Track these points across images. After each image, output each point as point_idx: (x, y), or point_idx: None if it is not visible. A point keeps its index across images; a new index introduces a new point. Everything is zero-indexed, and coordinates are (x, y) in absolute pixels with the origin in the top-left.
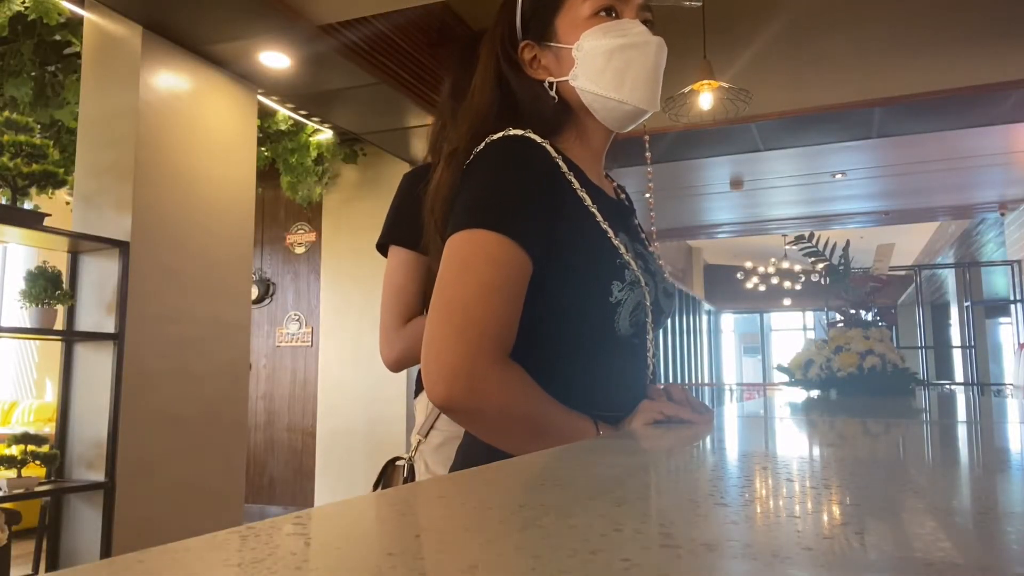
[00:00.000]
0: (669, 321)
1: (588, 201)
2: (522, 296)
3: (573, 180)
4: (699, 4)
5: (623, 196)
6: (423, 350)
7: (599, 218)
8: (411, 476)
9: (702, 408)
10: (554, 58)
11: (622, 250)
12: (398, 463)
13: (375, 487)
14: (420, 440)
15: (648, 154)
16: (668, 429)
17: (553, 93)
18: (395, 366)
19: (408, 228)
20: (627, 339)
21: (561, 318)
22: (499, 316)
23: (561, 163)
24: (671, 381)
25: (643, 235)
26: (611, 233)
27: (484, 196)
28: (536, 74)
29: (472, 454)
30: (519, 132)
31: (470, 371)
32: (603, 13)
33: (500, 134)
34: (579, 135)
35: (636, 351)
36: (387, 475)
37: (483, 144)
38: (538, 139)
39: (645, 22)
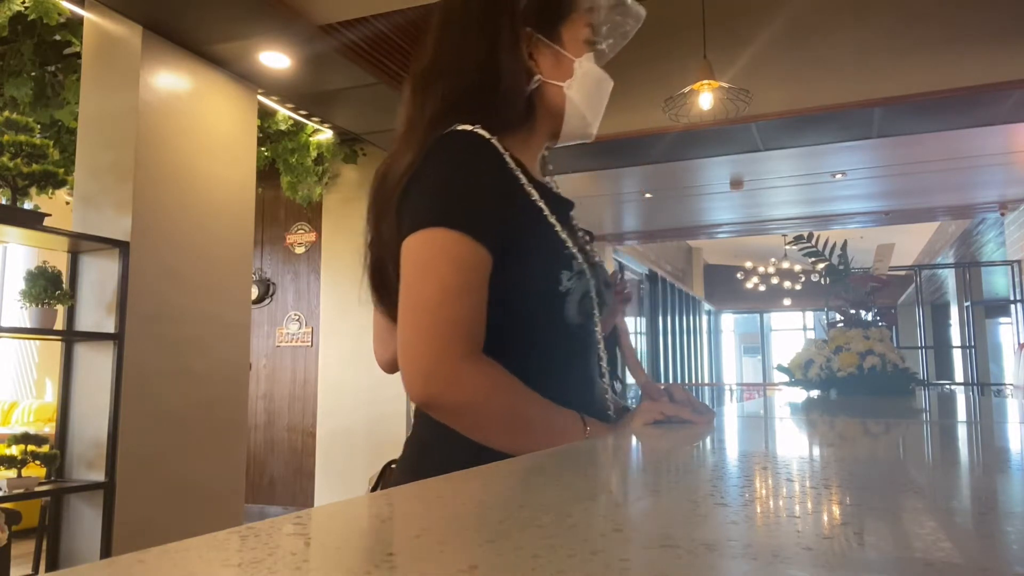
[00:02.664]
0: (669, 321)
1: (536, 195)
2: (483, 291)
3: (520, 176)
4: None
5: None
6: (399, 354)
7: (546, 211)
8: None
9: (703, 408)
10: (553, 60)
11: (568, 242)
12: (394, 465)
13: (373, 489)
14: (408, 437)
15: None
16: (668, 429)
17: (530, 88)
18: (389, 367)
19: None
20: (576, 329)
21: (514, 308)
22: (466, 314)
23: (509, 159)
24: (672, 381)
25: (582, 232)
26: (558, 226)
27: (439, 194)
28: (528, 64)
29: (421, 468)
30: (468, 128)
31: (444, 369)
32: (592, 44)
33: (449, 130)
34: (527, 135)
35: (586, 342)
36: (385, 477)
37: (434, 140)
38: (487, 135)
39: None
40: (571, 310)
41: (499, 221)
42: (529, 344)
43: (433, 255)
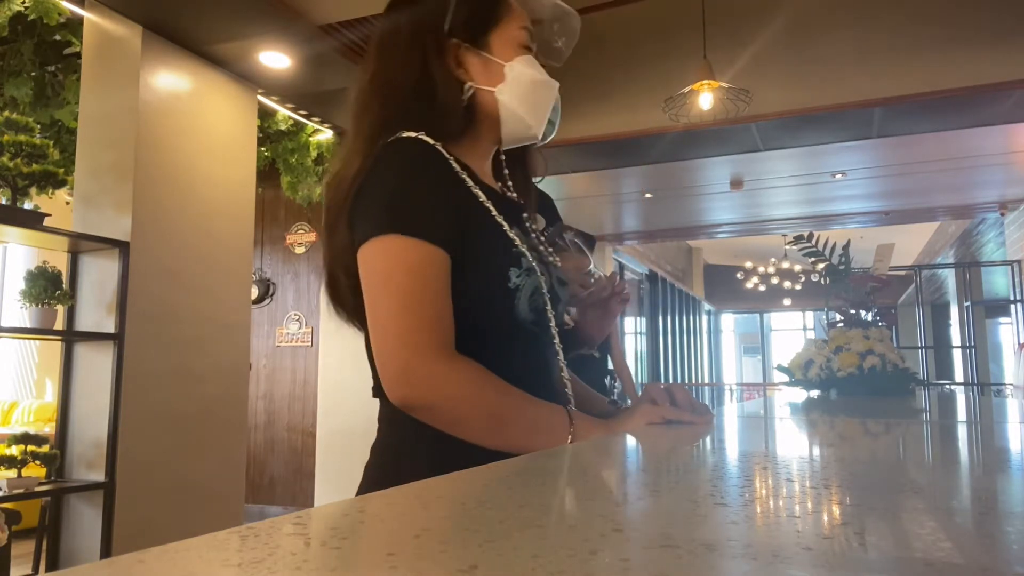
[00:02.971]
0: (669, 321)
1: (483, 197)
2: (447, 291)
3: (467, 178)
4: (559, 66)
5: (514, 195)
6: (376, 364)
7: (493, 212)
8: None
9: (703, 410)
10: (482, 66)
11: (517, 241)
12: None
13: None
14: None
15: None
16: (668, 429)
17: (465, 97)
18: None
19: None
20: (528, 325)
21: (466, 306)
22: (434, 315)
23: (454, 163)
24: (672, 381)
25: (537, 233)
26: (506, 226)
27: (388, 201)
28: (458, 74)
29: (379, 477)
30: (412, 135)
31: (421, 370)
32: (526, 47)
33: (395, 137)
34: (472, 141)
35: (539, 338)
36: None
37: (380, 147)
38: (431, 141)
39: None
40: (522, 306)
41: (449, 220)
42: (483, 340)
43: (391, 264)
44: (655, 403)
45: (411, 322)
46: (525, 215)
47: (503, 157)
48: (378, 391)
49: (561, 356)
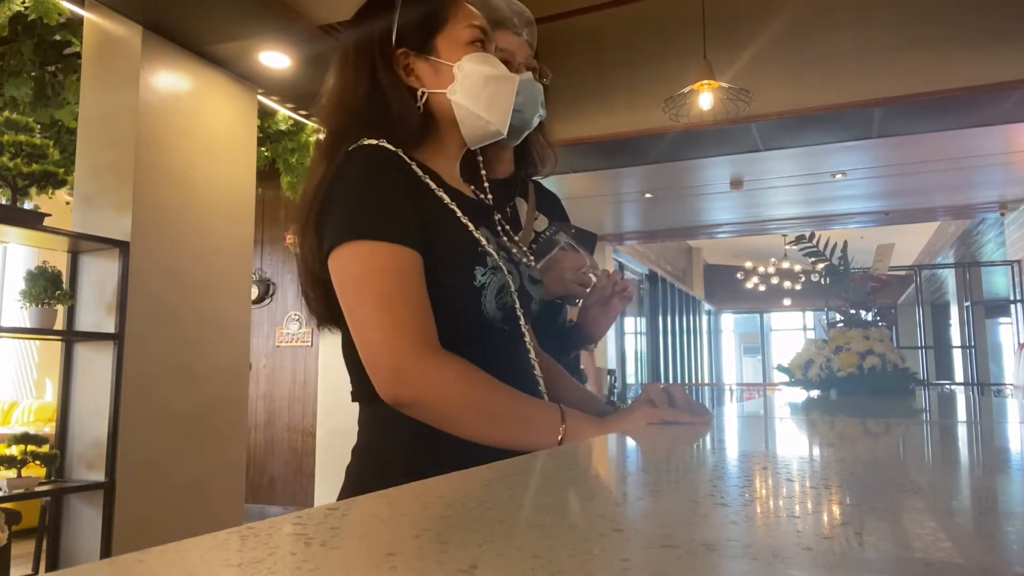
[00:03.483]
0: (669, 321)
1: (447, 199)
2: (423, 288)
3: (430, 182)
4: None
5: (486, 196)
6: (366, 366)
7: (459, 213)
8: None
9: (702, 411)
10: (432, 71)
11: (483, 241)
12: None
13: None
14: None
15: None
16: (665, 429)
17: (420, 104)
18: None
19: None
20: (498, 323)
21: (434, 305)
22: (413, 315)
23: (416, 168)
24: (672, 381)
25: (508, 234)
26: (471, 226)
27: (350, 207)
28: (408, 81)
29: (360, 479)
30: (372, 142)
31: (409, 369)
32: (477, 43)
33: (355, 145)
34: (436, 145)
35: (509, 336)
36: None
37: (342, 156)
38: (391, 147)
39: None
40: (489, 304)
41: (413, 221)
42: (453, 338)
43: (363, 270)
44: (653, 404)
45: (393, 322)
46: (498, 216)
47: (479, 158)
48: (358, 394)
49: (533, 354)
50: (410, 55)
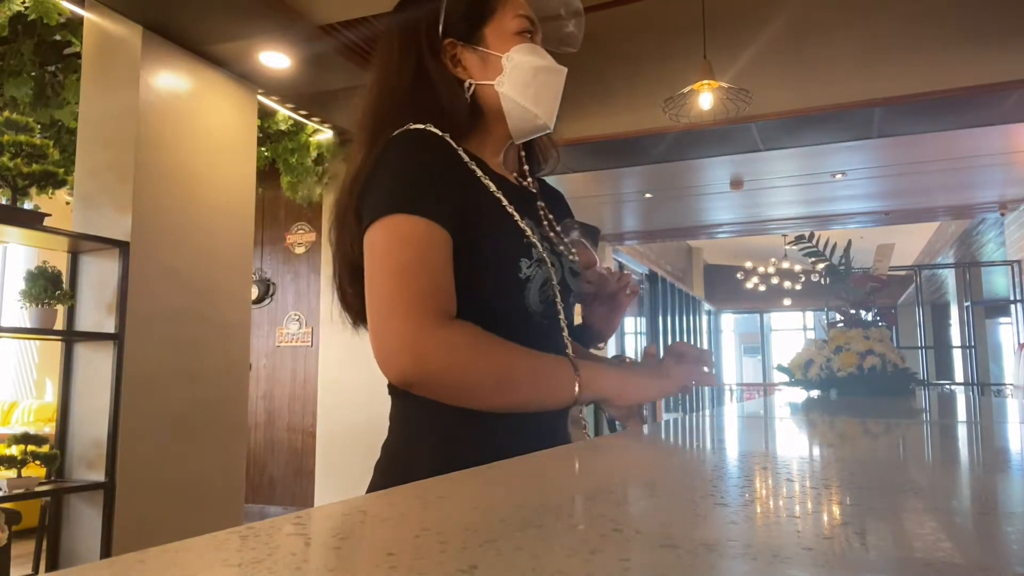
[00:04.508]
0: (669, 321)
1: (493, 187)
2: (448, 266)
3: (476, 168)
4: (574, 51)
5: (529, 184)
6: (371, 340)
7: (504, 201)
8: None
9: (711, 360)
10: (479, 62)
11: (528, 231)
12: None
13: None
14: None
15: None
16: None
17: (468, 95)
18: None
19: None
20: (538, 316)
21: (476, 295)
22: (426, 287)
23: (462, 153)
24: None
25: (551, 223)
26: (517, 216)
27: (392, 186)
28: (456, 72)
29: (389, 476)
30: (420, 126)
31: (412, 343)
32: (526, 34)
33: (403, 129)
34: (481, 139)
35: (549, 329)
36: None
37: (387, 139)
38: (439, 132)
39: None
40: (532, 297)
41: (452, 205)
42: (494, 330)
43: (390, 239)
44: (681, 362)
45: (407, 294)
46: (540, 204)
47: (523, 153)
48: (393, 387)
49: (570, 349)
50: (457, 45)
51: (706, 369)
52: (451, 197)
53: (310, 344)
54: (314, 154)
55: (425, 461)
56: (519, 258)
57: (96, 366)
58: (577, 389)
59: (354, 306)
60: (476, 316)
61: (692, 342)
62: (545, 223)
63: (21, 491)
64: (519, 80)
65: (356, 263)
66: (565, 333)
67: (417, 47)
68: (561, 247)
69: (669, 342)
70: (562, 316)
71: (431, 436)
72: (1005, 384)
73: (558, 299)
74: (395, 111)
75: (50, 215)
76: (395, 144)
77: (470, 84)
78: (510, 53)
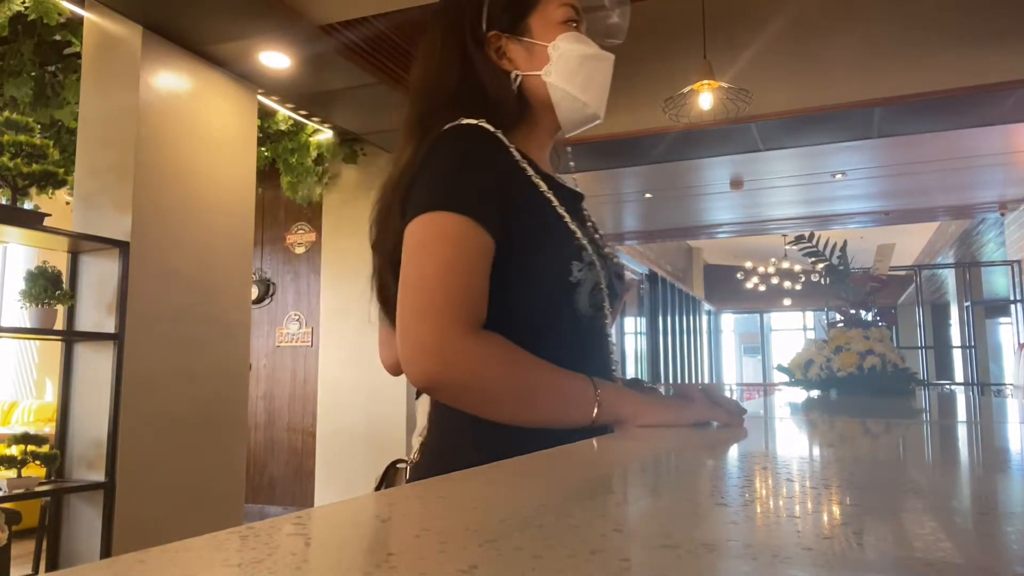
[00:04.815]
0: (669, 321)
1: (544, 187)
2: (485, 271)
3: (527, 167)
4: (619, 43)
5: (575, 183)
6: (398, 338)
7: (555, 203)
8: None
9: (740, 410)
10: (525, 53)
11: (578, 233)
12: (399, 465)
13: (377, 489)
14: (422, 442)
15: (572, 163)
16: (698, 431)
17: (515, 86)
18: (394, 370)
19: None
20: (588, 320)
21: (525, 299)
22: (461, 291)
23: (514, 151)
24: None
25: (594, 225)
26: (567, 217)
27: (440, 181)
28: (501, 64)
29: (433, 475)
30: (472, 121)
31: (440, 346)
32: (571, 23)
33: (454, 123)
34: (528, 132)
35: (597, 333)
36: (389, 477)
37: (437, 134)
38: (491, 128)
39: None
40: (582, 301)
41: (504, 208)
42: (538, 334)
43: (431, 236)
44: (708, 399)
45: (440, 297)
46: (584, 205)
47: (569, 149)
48: None
49: (615, 354)
50: (502, 37)
51: (733, 418)
52: (499, 197)
53: (310, 344)
54: (314, 154)
55: (467, 463)
56: (571, 261)
57: (96, 366)
58: (596, 411)
59: (393, 298)
60: (525, 319)
61: (692, 342)
62: (589, 224)
63: (21, 491)
64: (566, 69)
65: (399, 262)
66: (611, 338)
67: (461, 41)
68: (606, 249)
69: (669, 342)
70: (609, 320)
71: (473, 438)
72: (1005, 384)
73: (606, 303)
74: (442, 107)
75: (50, 215)
76: (445, 139)
77: (517, 75)
78: (556, 42)
